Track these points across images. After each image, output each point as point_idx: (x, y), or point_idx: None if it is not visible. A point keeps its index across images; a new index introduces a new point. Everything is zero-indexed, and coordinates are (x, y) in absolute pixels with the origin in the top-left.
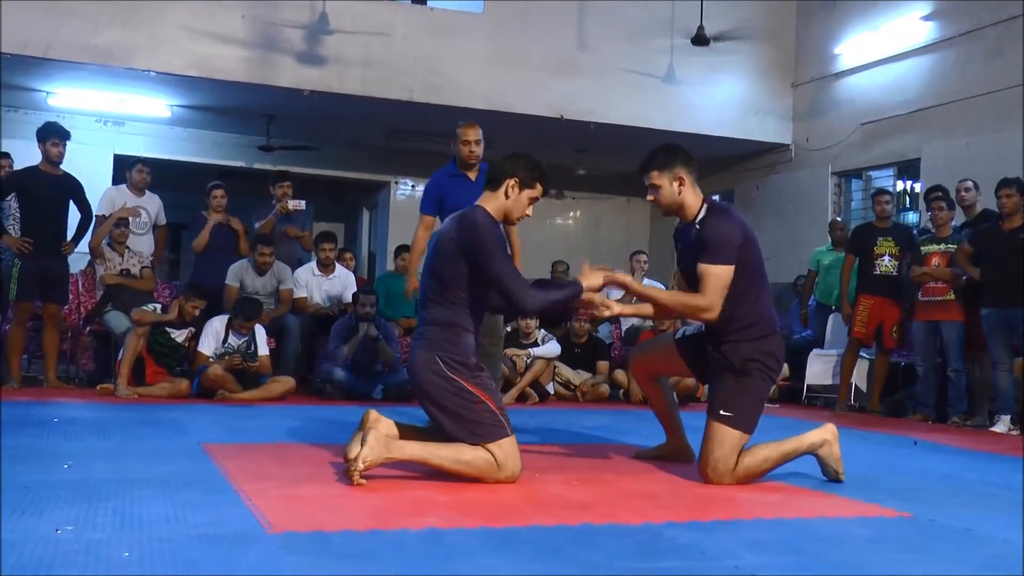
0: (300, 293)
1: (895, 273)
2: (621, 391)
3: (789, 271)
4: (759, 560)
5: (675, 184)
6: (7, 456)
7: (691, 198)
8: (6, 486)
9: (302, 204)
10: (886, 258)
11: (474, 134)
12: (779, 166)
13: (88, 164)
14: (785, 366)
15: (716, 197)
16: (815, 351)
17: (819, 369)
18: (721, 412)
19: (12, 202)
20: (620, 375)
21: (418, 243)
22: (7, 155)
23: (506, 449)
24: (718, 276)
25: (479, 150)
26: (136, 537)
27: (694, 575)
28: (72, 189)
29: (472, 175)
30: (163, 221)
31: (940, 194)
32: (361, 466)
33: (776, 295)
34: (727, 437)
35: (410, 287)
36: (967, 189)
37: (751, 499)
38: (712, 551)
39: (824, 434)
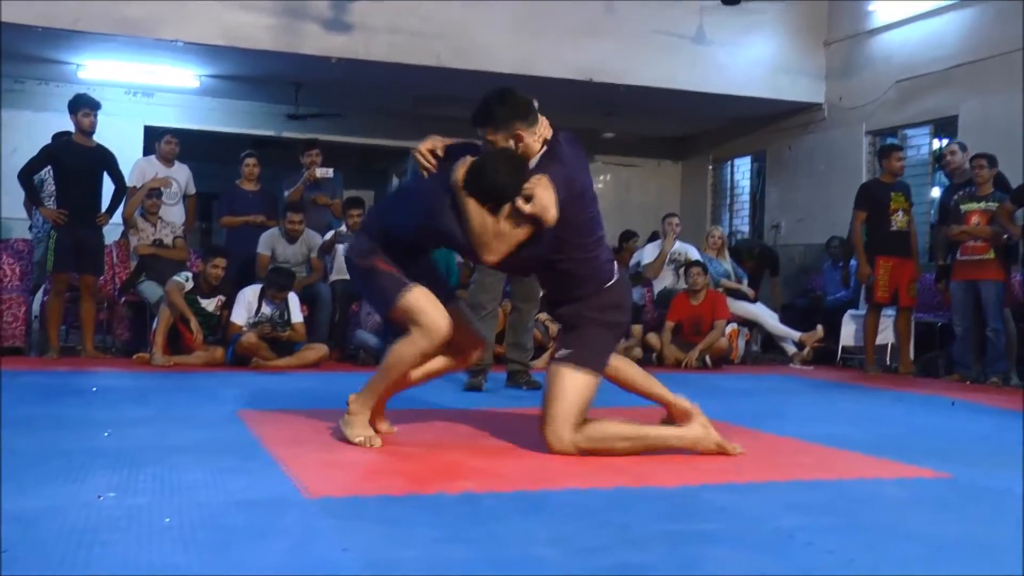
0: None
1: (907, 229)
2: (654, 354)
3: (822, 232)
4: (797, 522)
5: (511, 142)
6: (49, 424)
7: (532, 148)
8: (49, 454)
9: (330, 172)
10: (899, 213)
11: None
12: (812, 126)
13: (118, 135)
14: (819, 327)
15: (747, 158)
16: (849, 312)
17: (853, 330)
18: (558, 354)
19: (47, 174)
20: (652, 338)
21: None
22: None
23: (416, 299)
24: (509, 233)
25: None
26: (176, 503)
27: (732, 538)
28: (105, 161)
29: None
30: (193, 191)
31: (981, 153)
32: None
33: (809, 256)
34: (567, 385)
35: None
36: (952, 152)
37: (787, 461)
38: (749, 513)
39: (696, 429)
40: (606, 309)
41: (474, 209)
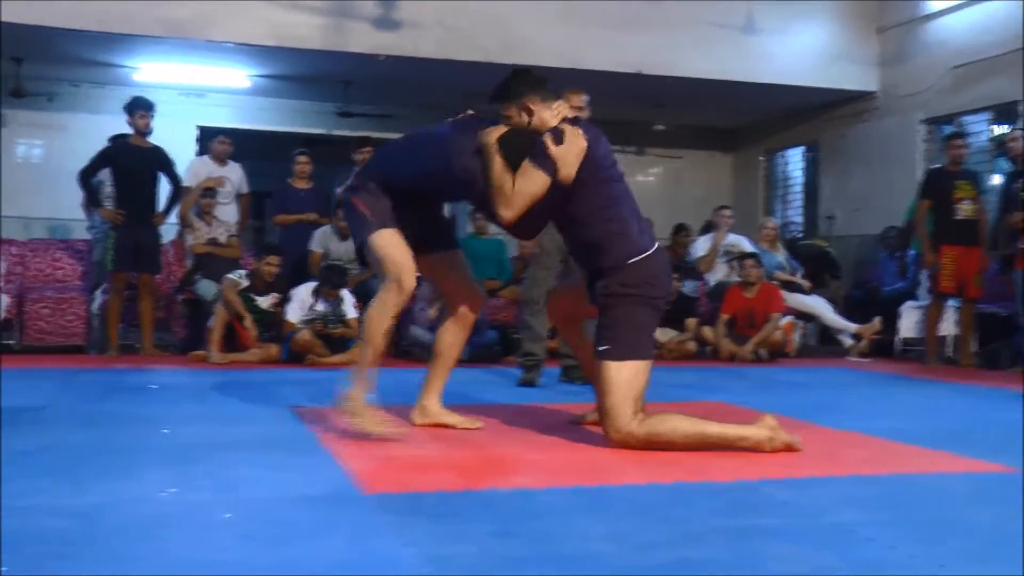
0: None
1: (975, 217)
2: (708, 348)
3: (877, 222)
4: (857, 517)
5: (523, 114)
6: (109, 421)
7: (546, 122)
8: (109, 450)
9: None
10: (966, 202)
11: (577, 100)
12: (865, 114)
13: (172, 136)
14: (877, 319)
15: (800, 149)
16: (908, 303)
17: (913, 321)
18: (598, 350)
19: (106, 175)
20: (706, 331)
21: None
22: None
23: (385, 238)
24: (527, 178)
25: (581, 116)
26: (234, 498)
27: (791, 533)
28: (161, 161)
29: None
30: (246, 190)
31: None
32: None
33: (865, 247)
34: (613, 378)
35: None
36: (1014, 139)
37: (846, 455)
38: (808, 508)
39: (763, 431)
40: (635, 284)
41: (499, 165)
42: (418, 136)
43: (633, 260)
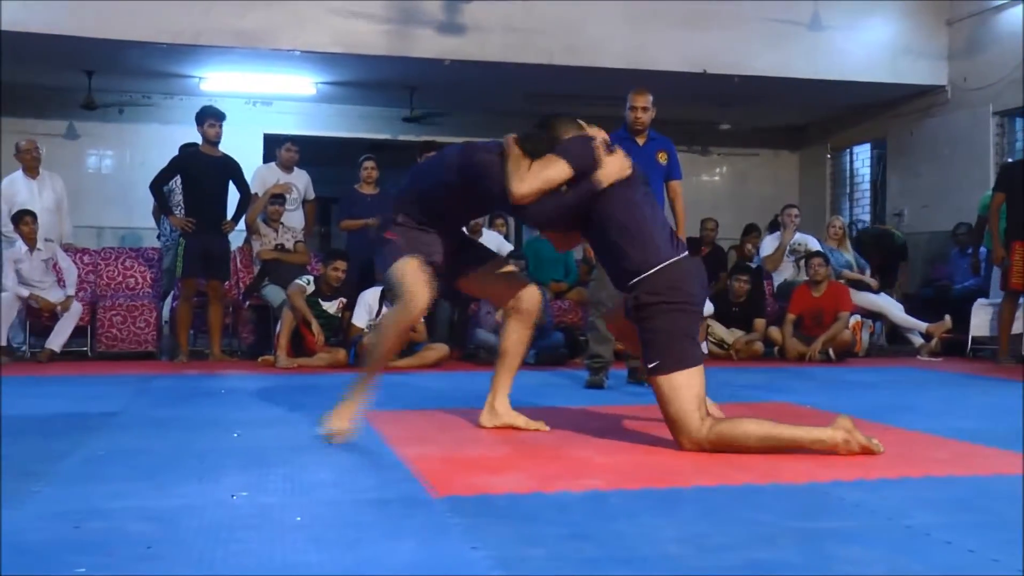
0: None
1: None
2: (776, 348)
3: (948, 218)
4: (932, 519)
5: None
6: (182, 426)
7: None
8: (183, 454)
9: None
10: None
11: (642, 100)
12: (934, 109)
13: (239, 144)
14: (948, 317)
15: (867, 145)
16: (979, 301)
17: (984, 319)
18: (648, 367)
19: (176, 184)
20: (774, 332)
21: None
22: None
23: (405, 269)
24: (548, 164)
25: (645, 116)
26: (306, 501)
27: (865, 535)
28: (231, 169)
29: (640, 140)
30: (312, 196)
31: None
32: None
33: (935, 244)
34: (669, 388)
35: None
36: None
37: (919, 456)
38: (882, 510)
39: (839, 434)
40: (662, 291)
41: (518, 152)
42: (441, 152)
43: (657, 268)
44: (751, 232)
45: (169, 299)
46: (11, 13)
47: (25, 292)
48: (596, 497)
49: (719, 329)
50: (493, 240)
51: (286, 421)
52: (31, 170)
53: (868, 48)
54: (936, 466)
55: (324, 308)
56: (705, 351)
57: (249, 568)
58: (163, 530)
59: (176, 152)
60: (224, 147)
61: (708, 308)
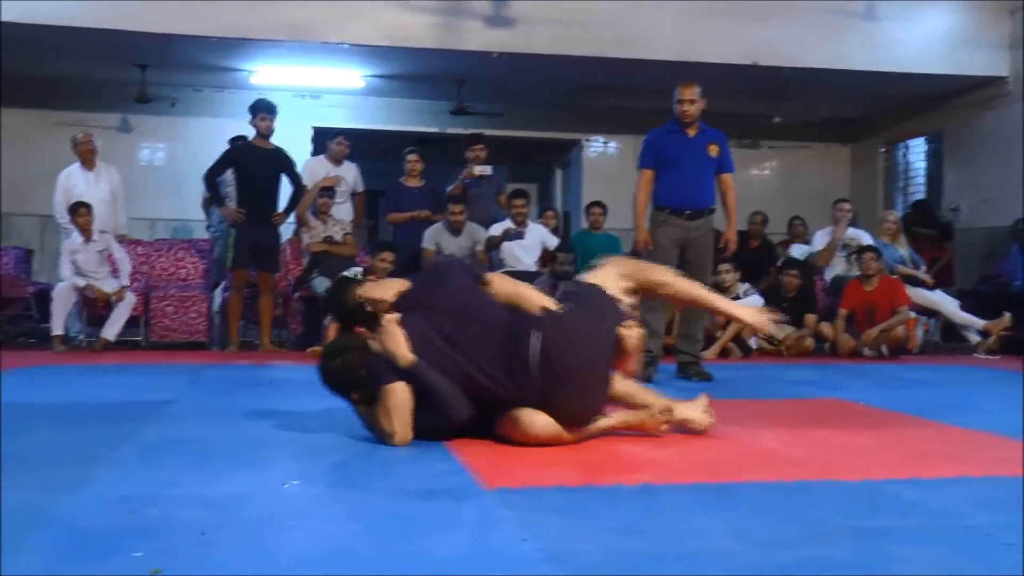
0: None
1: None
2: (827, 344)
3: (1007, 214)
4: (993, 520)
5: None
6: (234, 415)
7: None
8: (236, 443)
9: (488, 170)
10: None
11: (689, 93)
12: (994, 101)
13: (288, 137)
14: (1007, 314)
15: (922, 139)
16: None
17: None
18: None
19: (229, 175)
20: (825, 328)
21: (640, 196)
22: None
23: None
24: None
25: (692, 109)
26: (356, 492)
27: (922, 535)
28: (283, 162)
29: (690, 132)
30: (361, 188)
31: None
32: None
33: (994, 240)
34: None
35: (641, 238)
36: None
37: (978, 455)
38: (939, 509)
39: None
40: None
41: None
42: None
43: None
44: (794, 222)
45: (220, 289)
46: (67, 9)
47: (81, 282)
48: (647, 491)
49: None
50: (538, 233)
51: (334, 412)
52: (88, 162)
53: (925, 39)
54: (996, 465)
55: None
56: (754, 346)
57: (301, 556)
58: (217, 517)
59: (227, 145)
60: (273, 140)
61: (757, 302)
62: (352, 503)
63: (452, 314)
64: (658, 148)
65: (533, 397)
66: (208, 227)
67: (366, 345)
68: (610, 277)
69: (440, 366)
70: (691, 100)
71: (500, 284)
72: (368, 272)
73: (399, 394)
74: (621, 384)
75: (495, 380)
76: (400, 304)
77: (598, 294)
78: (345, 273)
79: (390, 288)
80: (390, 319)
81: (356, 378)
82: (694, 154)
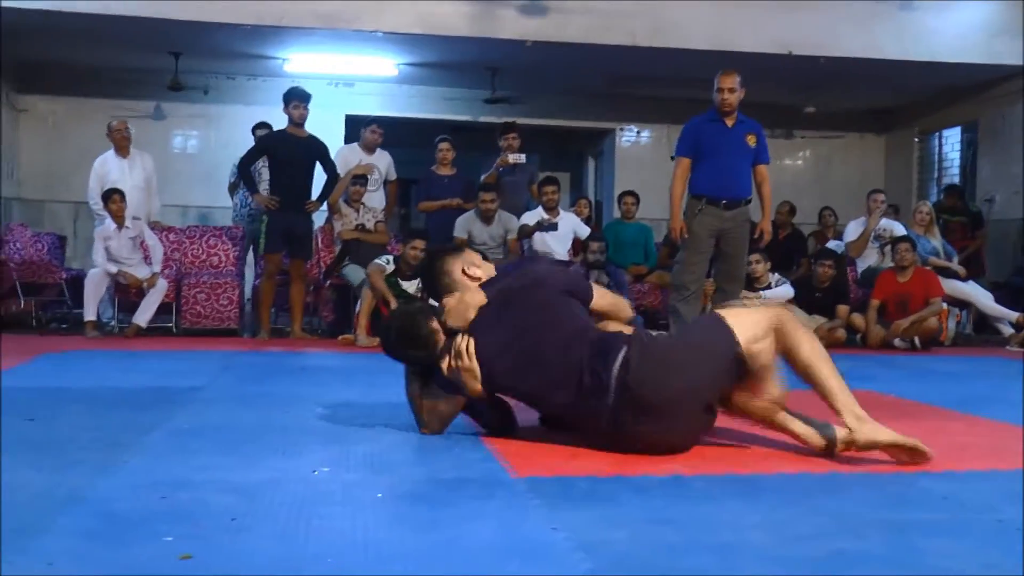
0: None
1: None
2: (859, 335)
3: None
4: None
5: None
6: (265, 402)
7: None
8: (267, 429)
9: (522, 158)
10: None
11: (729, 82)
12: None
13: (322, 125)
14: None
15: (957, 129)
16: None
17: None
18: None
19: (263, 163)
20: (857, 319)
21: (677, 184)
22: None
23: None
24: None
25: (732, 98)
26: (386, 479)
27: (954, 529)
28: (318, 150)
29: (729, 121)
30: (393, 177)
31: None
32: None
33: None
34: None
35: (676, 227)
36: None
37: (1011, 449)
38: (971, 503)
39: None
40: None
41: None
42: None
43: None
44: (824, 212)
45: (251, 276)
46: None
47: (114, 268)
48: (678, 481)
49: (800, 315)
50: (570, 223)
51: (365, 399)
52: (122, 149)
53: (960, 28)
54: None
55: (403, 287)
56: None
57: (331, 543)
58: (247, 503)
59: (252, 132)
60: (306, 128)
61: (789, 292)
62: (383, 490)
63: (532, 330)
64: (697, 136)
65: (605, 421)
66: (235, 217)
67: (432, 308)
68: (752, 317)
69: (506, 387)
70: (731, 88)
71: (600, 298)
72: (399, 260)
73: (453, 406)
74: (769, 410)
75: (564, 405)
76: (478, 320)
77: (710, 324)
78: (411, 307)
79: (470, 308)
80: (464, 348)
81: (419, 334)
82: (733, 143)
